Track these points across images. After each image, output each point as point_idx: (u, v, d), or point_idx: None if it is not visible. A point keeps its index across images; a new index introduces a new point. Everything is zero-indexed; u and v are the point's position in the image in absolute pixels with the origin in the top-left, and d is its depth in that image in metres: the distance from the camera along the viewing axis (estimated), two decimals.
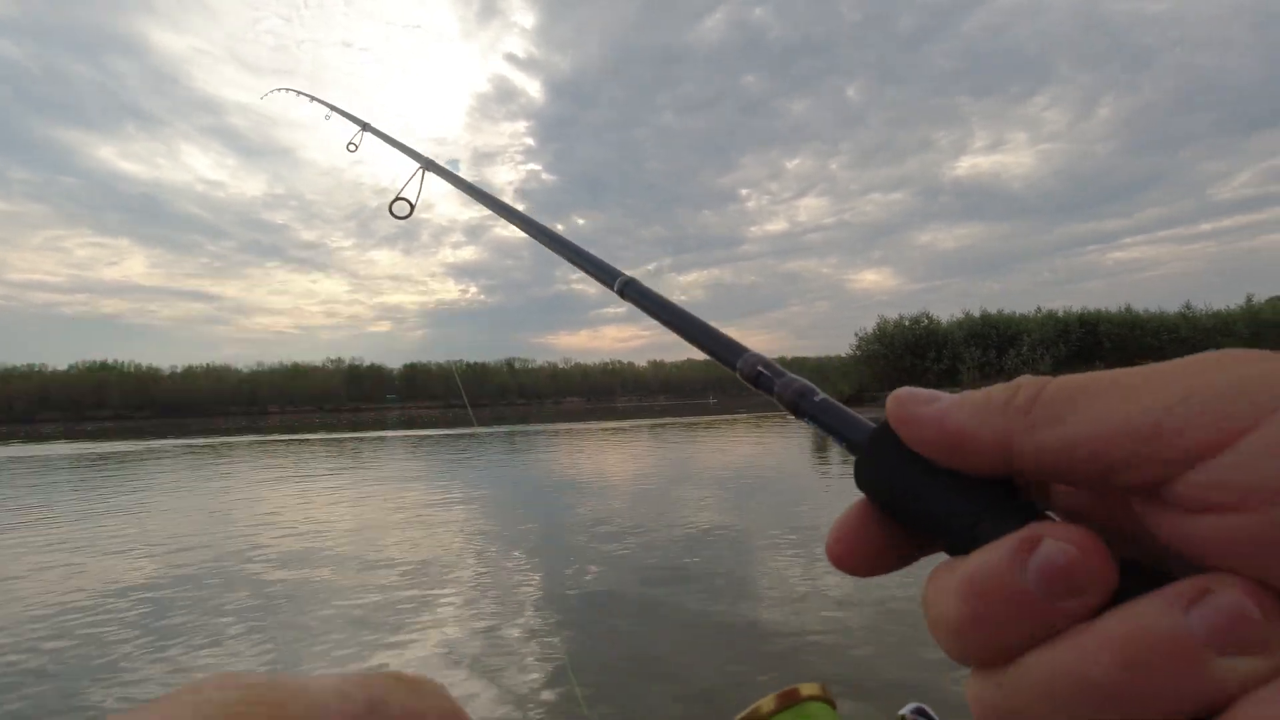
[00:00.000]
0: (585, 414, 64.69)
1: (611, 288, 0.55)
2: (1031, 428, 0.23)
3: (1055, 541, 0.21)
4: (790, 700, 0.75)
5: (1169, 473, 0.21)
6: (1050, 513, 0.24)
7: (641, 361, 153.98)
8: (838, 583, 5.78)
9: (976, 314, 42.05)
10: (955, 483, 0.25)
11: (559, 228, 0.71)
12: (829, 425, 0.33)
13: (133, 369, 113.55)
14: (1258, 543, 0.19)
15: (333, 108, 1.76)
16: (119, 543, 8.72)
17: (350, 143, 1.42)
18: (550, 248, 0.69)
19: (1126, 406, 0.22)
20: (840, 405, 0.34)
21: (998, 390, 0.25)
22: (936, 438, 0.26)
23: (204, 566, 7.30)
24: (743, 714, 0.76)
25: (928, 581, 0.25)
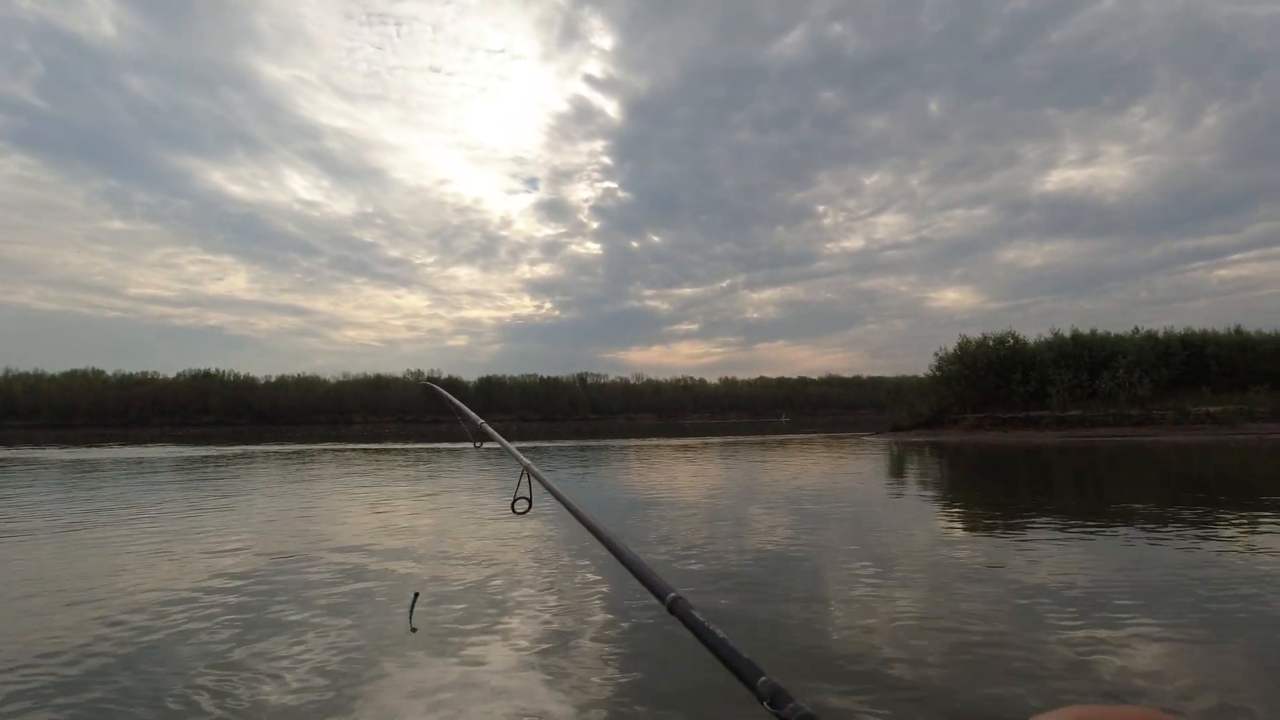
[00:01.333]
0: (656, 430, 64.68)
1: (663, 602, 0.63)
2: None
3: None
4: None
5: None
6: None
7: (713, 378, 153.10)
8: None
9: (1067, 334, 39.97)
10: None
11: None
12: None
13: (232, 378, 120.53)
14: None
15: (457, 407, 2.11)
16: (233, 538, 9.17)
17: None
18: (613, 553, 0.84)
19: None
20: None
21: None
22: None
23: (302, 562, 7.60)
24: None
25: None
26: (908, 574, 6.98)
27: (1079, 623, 5.30)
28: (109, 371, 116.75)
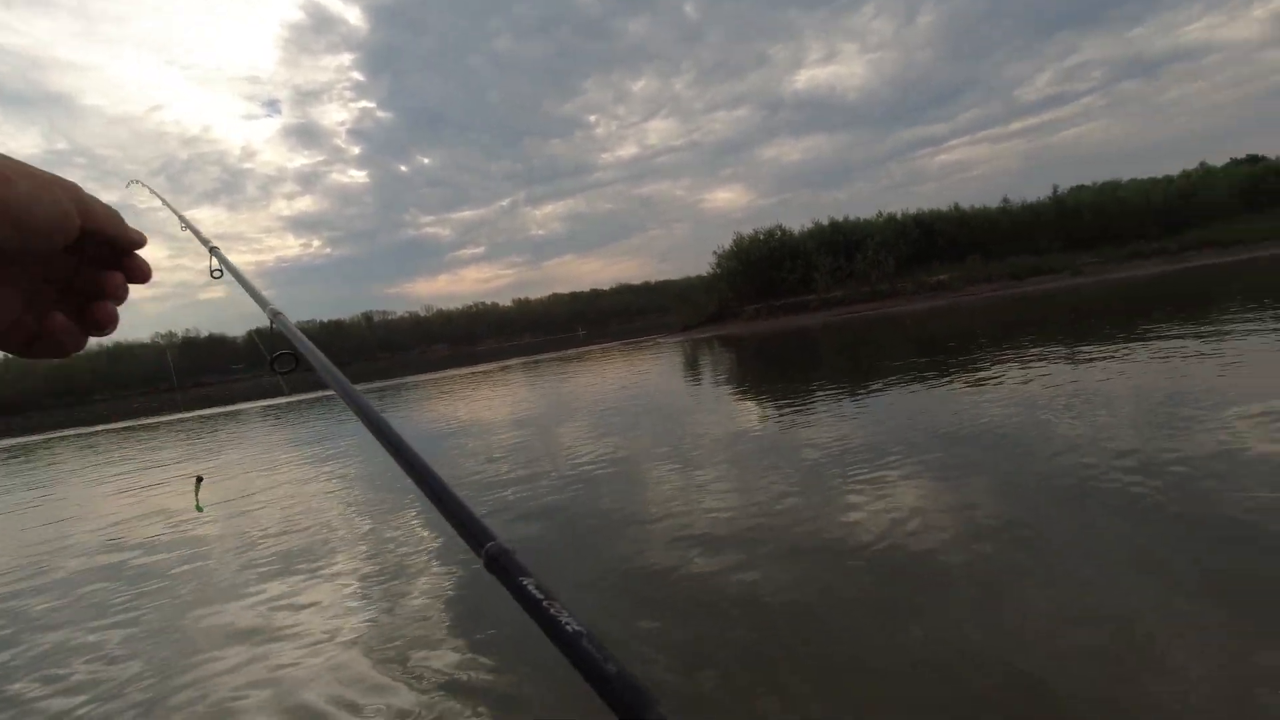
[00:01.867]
0: (450, 361, 62.58)
1: (479, 555, 0.53)
2: None
3: None
4: None
5: None
6: None
7: (506, 301, 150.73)
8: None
9: (826, 223, 43.94)
10: None
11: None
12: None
13: None
14: None
15: (184, 221, 1.78)
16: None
17: (213, 269, 1.43)
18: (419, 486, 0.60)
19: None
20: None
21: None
22: None
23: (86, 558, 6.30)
24: None
25: None
26: (709, 460, 7.30)
27: (856, 475, 5.83)
28: None
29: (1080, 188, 44.56)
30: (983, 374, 10.31)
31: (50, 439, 28.81)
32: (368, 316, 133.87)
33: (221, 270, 1.43)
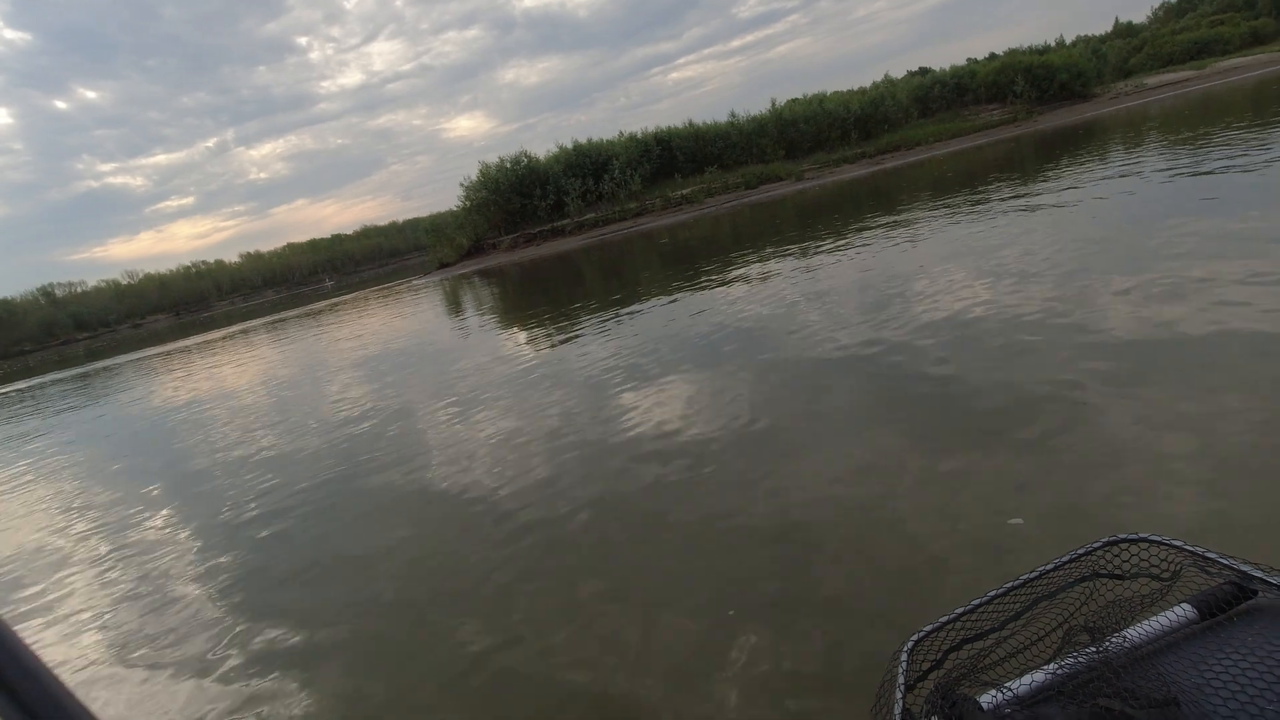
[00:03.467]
0: (177, 331, 54.55)
1: None
2: None
3: None
4: None
5: None
6: None
7: (233, 256, 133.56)
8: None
9: (570, 146, 44.02)
10: None
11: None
12: None
13: None
14: None
15: None
16: None
17: None
18: None
19: None
20: None
21: None
22: None
23: None
24: None
25: None
26: (490, 400, 7.29)
27: (632, 385, 6.21)
28: None
29: (794, 100, 48.86)
30: (733, 276, 11.27)
31: None
32: (47, 292, 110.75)
33: None
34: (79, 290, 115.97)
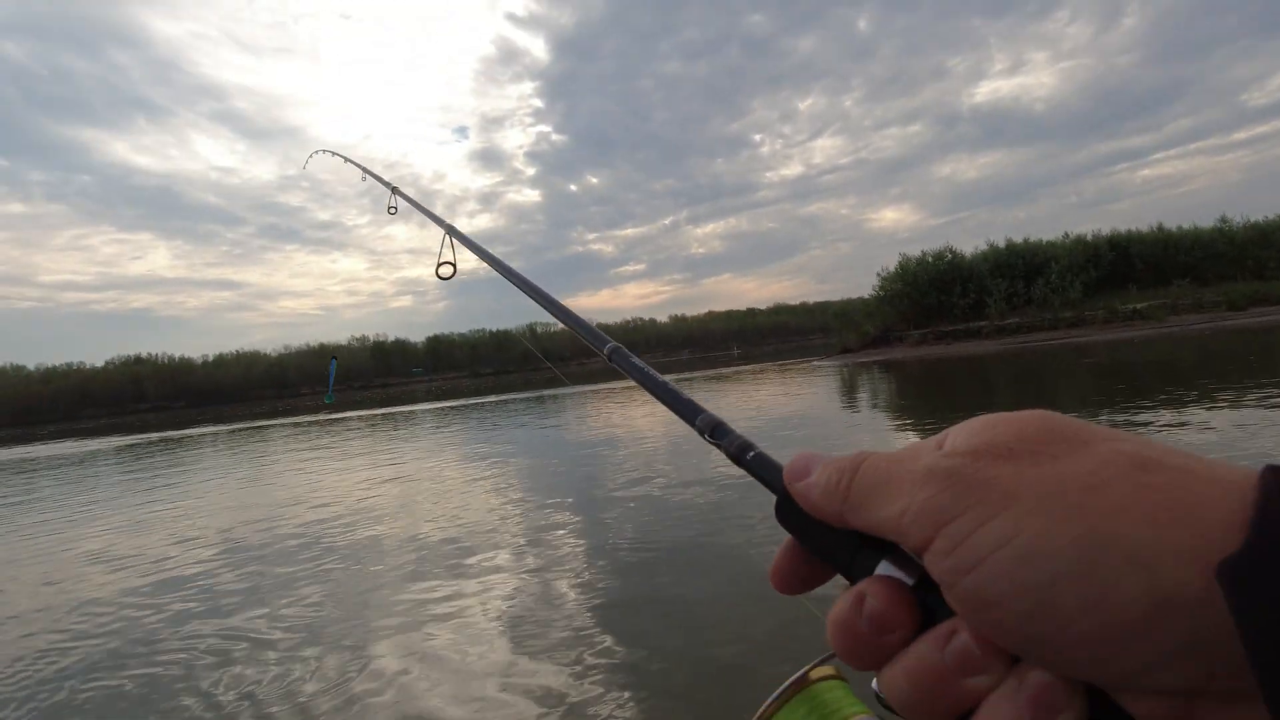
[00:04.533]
0: (606, 374, 64.32)
1: (602, 353, 0.63)
2: (852, 510, 0.35)
3: (872, 597, 0.33)
4: (799, 686, 0.65)
5: (919, 554, 0.32)
6: (896, 551, 0.34)
7: (663, 317, 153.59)
8: None
9: (1002, 244, 41.00)
10: (828, 532, 0.36)
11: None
12: (762, 476, 0.42)
13: (167, 360, 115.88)
14: (964, 607, 0.30)
15: (366, 171, 2.02)
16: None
17: (390, 206, 1.59)
18: (550, 311, 0.78)
19: (892, 501, 0.33)
20: (770, 458, 0.42)
21: (835, 473, 0.36)
22: (806, 507, 0.37)
23: (285, 533, 7.46)
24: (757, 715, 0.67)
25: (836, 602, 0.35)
26: None
27: None
28: (30, 366, 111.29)
29: None
30: (1188, 414, 9.33)
31: (267, 425, 33.04)
32: (532, 328, 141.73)
33: (395, 209, 1.55)
34: (552, 331, 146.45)
